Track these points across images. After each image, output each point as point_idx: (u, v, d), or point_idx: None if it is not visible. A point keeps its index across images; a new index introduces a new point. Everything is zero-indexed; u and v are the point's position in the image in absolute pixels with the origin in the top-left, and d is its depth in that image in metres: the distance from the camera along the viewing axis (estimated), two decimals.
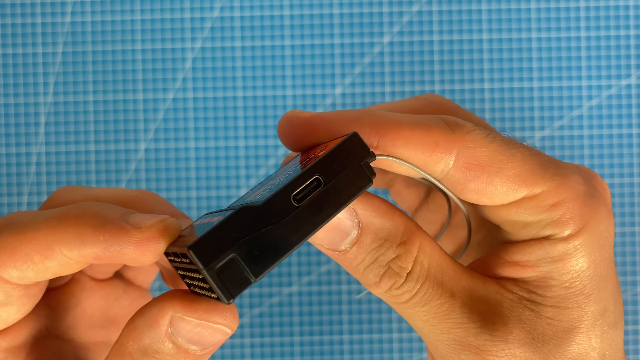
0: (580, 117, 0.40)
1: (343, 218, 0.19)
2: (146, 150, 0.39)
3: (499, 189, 0.20)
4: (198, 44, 0.40)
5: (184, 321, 0.18)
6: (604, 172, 0.40)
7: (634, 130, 0.40)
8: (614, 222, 0.21)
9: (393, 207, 0.20)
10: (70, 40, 0.39)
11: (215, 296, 0.17)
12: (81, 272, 0.24)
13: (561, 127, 0.40)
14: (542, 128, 0.40)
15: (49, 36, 0.39)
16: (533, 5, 0.39)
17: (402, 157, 0.20)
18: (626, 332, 0.39)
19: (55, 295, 0.23)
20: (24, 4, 0.39)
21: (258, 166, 0.39)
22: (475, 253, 0.24)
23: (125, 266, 0.25)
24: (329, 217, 0.17)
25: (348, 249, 0.19)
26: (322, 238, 0.19)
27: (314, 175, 0.17)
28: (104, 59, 0.40)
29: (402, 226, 0.19)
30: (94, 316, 0.24)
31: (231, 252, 0.16)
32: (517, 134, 0.40)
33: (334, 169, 0.17)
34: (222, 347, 0.39)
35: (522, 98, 0.40)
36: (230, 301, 0.16)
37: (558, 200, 0.20)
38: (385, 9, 0.39)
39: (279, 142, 0.39)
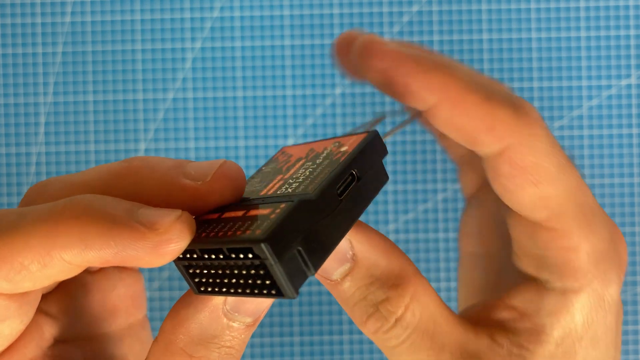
0: (580, 117, 0.40)
1: (340, 248, 0.18)
2: (146, 150, 0.39)
3: (527, 199, 0.18)
4: (198, 44, 0.40)
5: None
6: (604, 172, 0.40)
7: (634, 130, 0.40)
8: (620, 286, 0.20)
9: (392, 245, 0.19)
10: (70, 40, 0.39)
11: (272, 292, 0.16)
12: None
13: (561, 127, 0.40)
14: None
15: (49, 36, 0.39)
16: (533, 5, 0.39)
17: (455, 125, 0.18)
18: (626, 332, 0.39)
19: (52, 300, 0.21)
20: (24, 4, 0.39)
21: (258, 166, 0.39)
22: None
23: None
24: (363, 210, 0.18)
25: (339, 280, 0.18)
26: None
27: (351, 170, 0.17)
28: (104, 59, 0.40)
29: (398, 268, 0.18)
30: (95, 310, 0.22)
31: (297, 244, 0.16)
32: None
33: (365, 165, 0.18)
34: None
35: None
36: (295, 295, 0.16)
37: (572, 246, 0.19)
38: (385, 9, 0.39)
39: (279, 142, 0.39)
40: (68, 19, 0.39)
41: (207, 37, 0.40)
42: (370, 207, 0.39)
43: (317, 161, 0.19)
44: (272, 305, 0.39)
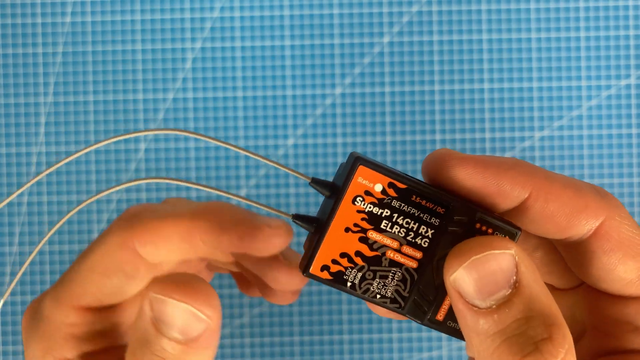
0: (580, 117, 0.40)
1: (501, 268, 0.17)
2: (146, 150, 0.39)
3: (628, 274, 0.19)
4: (198, 44, 0.40)
5: (163, 303, 0.18)
6: (604, 172, 0.40)
7: (634, 130, 0.40)
8: None
9: (544, 281, 0.18)
10: (70, 40, 0.39)
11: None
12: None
13: (561, 127, 0.40)
14: (542, 128, 0.40)
15: (49, 36, 0.39)
16: (533, 6, 0.39)
17: (550, 212, 0.19)
18: None
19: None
20: (24, 4, 0.39)
21: (258, 166, 0.39)
22: None
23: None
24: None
25: (494, 306, 0.16)
26: (467, 286, 0.17)
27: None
28: (104, 59, 0.40)
29: (555, 307, 0.17)
30: None
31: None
32: (517, 134, 0.40)
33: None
34: (222, 347, 0.39)
35: (522, 98, 0.40)
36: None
37: None
38: (385, 9, 0.39)
39: (279, 142, 0.39)
40: (68, 19, 0.39)
41: (207, 37, 0.40)
42: None
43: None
44: (272, 304, 0.39)
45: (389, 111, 0.40)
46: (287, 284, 0.25)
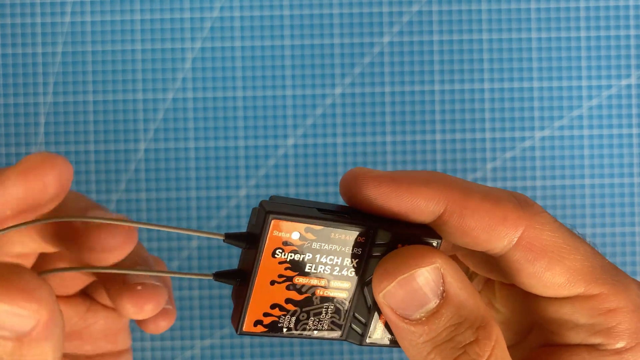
0: (580, 117, 0.40)
1: (428, 281, 0.17)
2: (146, 150, 0.39)
3: (556, 279, 0.19)
4: (198, 44, 0.40)
5: None
6: (604, 172, 0.40)
7: (634, 130, 0.40)
8: None
9: (472, 285, 0.18)
10: (70, 40, 0.39)
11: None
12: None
13: (561, 127, 0.40)
14: (542, 128, 0.40)
15: (48, 36, 0.39)
16: (533, 5, 0.39)
17: (467, 227, 0.19)
18: None
19: None
20: (24, 4, 0.39)
21: (258, 166, 0.39)
22: (514, 355, 0.23)
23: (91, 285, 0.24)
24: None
25: (423, 318, 0.17)
26: (397, 301, 0.18)
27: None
28: (104, 59, 0.40)
29: (483, 308, 0.18)
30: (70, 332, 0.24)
31: None
32: (517, 134, 0.40)
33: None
34: (222, 347, 0.39)
35: (522, 98, 0.40)
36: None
37: (616, 307, 0.19)
38: (385, 9, 0.39)
39: (279, 142, 0.39)
40: (68, 19, 0.39)
41: (207, 37, 0.40)
42: None
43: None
44: None
45: (389, 111, 0.39)
46: (135, 313, 0.21)
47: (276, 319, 0.19)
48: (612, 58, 0.40)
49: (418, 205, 0.19)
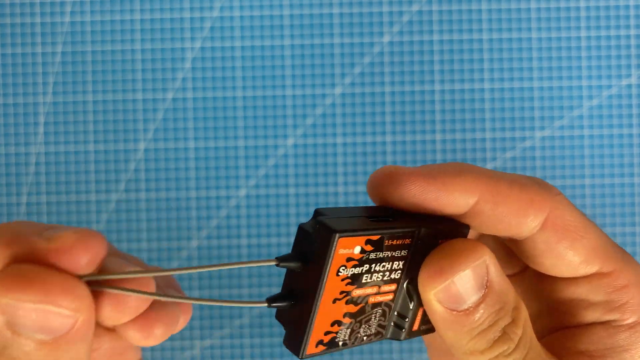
0: (580, 117, 0.39)
1: (477, 276, 0.18)
2: (146, 150, 0.39)
3: (577, 258, 0.20)
4: (198, 44, 0.39)
5: (15, 307, 0.15)
6: (604, 172, 0.39)
7: (634, 130, 0.40)
8: None
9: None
10: (70, 40, 0.39)
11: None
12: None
13: (561, 127, 0.40)
14: (542, 128, 0.40)
15: (48, 36, 0.39)
16: (533, 5, 0.39)
17: (500, 214, 0.19)
18: None
19: None
20: (24, 3, 0.39)
21: (258, 166, 0.39)
22: None
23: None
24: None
25: (472, 308, 0.18)
26: (449, 296, 0.18)
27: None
28: (104, 59, 0.39)
29: (513, 292, 0.19)
30: None
31: None
32: (517, 134, 0.40)
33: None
34: (222, 347, 0.39)
35: (522, 98, 0.39)
36: None
37: (628, 282, 0.20)
38: (385, 9, 0.39)
39: (279, 142, 0.39)
40: (68, 19, 0.39)
41: (207, 37, 0.39)
42: None
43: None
44: None
45: (389, 111, 0.39)
46: (144, 339, 0.19)
47: (335, 335, 0.19)
48: (612, 58, 0.39)
49: (455, 198, 0.19)
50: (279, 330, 0.39)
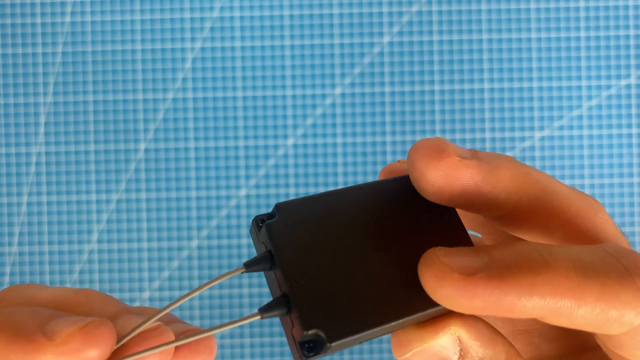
0: (580, 117, 0.40)
1: (443, 347, 0.17)
2: (146, 150, 0.39)
3: None
4: (198, 44, 0.40)
5: None
6: (604, 172, 0.40)
7: (633, 130, 0.40)
8: None
9: (496, 332, 0.17)
10: (70, 40, 0.39)
11: None
12: None
13: (561, 127, 0.40)
14: (542, 128, 0.40)
15: (48, 36, 0.39)
16: (533, 5, 0.39)
17: (588, 318, 0.15)
18: None
19: None
20: (24, 4, 0.39)
21: (258, 166, 0.39)
22: None
23: None
24: None
25: None
26: None
27: None
28: (104, 59, 0.40)
29: (504, 355, 0.17)
30: None
31: None
32: (517, 134, 0.40)
33: None
34: (222, 347, 0.39)
35: (522, 98, 0.40)
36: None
37: None
38: (385, 9, 0.39)
39: (279, 142, 0.39)
40: (68, 19, 0.39)
41: (207, 37, 0.40)
42: None
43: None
44: None
45: (389, 111, 0.40)
46: None
47: None
48: (611, 58, 0.40)
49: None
50: (279, 330, 0.39)
